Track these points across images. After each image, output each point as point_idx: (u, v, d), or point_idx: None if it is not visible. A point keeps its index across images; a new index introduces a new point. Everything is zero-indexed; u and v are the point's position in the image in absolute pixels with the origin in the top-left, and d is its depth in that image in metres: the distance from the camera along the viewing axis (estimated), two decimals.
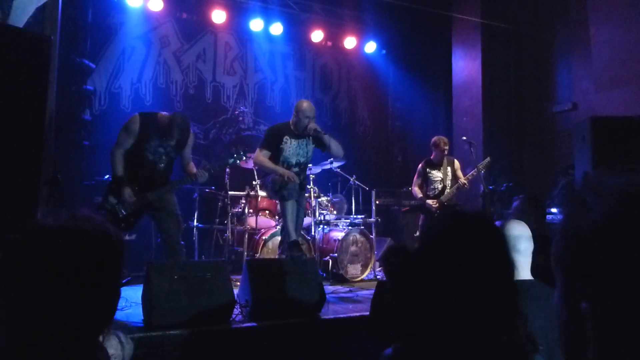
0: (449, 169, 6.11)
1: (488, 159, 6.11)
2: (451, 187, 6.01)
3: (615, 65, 6.42)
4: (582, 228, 0.64)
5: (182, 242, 4.37)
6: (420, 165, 6.23)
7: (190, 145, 4.55)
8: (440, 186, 6.07)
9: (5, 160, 3.11)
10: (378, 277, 6.10)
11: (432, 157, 6.16)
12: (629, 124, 5.18)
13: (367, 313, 3.38)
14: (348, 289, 5.38)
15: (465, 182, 5.93)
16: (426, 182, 6.15)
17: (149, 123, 4.25)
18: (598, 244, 0.62)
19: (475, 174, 5.91)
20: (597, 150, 5.09)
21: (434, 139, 6.20)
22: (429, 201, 6.00)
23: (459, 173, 6.15)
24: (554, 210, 6.63)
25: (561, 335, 0.69)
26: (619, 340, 0.60)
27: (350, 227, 6.19)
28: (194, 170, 4.51)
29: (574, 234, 0.65)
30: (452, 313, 1.03)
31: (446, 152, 6.07)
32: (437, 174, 6.09)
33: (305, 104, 4.71)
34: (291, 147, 4.74)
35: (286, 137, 4.73)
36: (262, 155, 4.71)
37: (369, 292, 4.88)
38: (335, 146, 4.78)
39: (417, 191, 6.17)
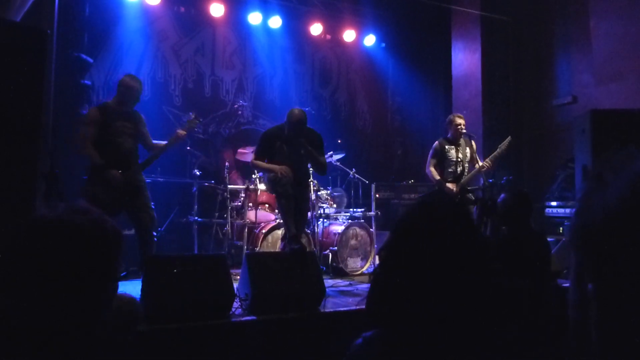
0: (467, 149, 5.61)
1: (509, 138, 5.57)
2: (469, 170, 5.56)
3: (615, 58, 6.39)
4: (596, 208, 0.63)
5: (155, 234, 4.55)
6: (436, 143, 5.67)
7: (144, 124, 4.74)
8: (459, 169, 5.56)
9: (1, 155, 3.10)
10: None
11: (448, 136, 5.68)
12: (629, 117, 5.17)
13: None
14: (348, 282, 5.39)
15: (489, 163, 5.41)
16: (442, 163, 5.57)
17: (106, 108, 4.53)
18: (608, 225, 0.61)
19: (497, 155, 5.47)
20: (597, 143, 5.08)
21: (449, 116, 5.78)
22: (449, 185, 5.48)
23: (476, 155, 5.65)
24: (553, 203, 6.63)
25: (570, 314, 0.68)
26: (621, 324, 0.60)
27: (350, 221, 6.19)
28: (160, 143, 4.71)
29: (588, 214, 0.64)
30: (425, 300, 1.03)
31: (462, 130, 5.57)
32: (454, 154, 5.56)
33: (296, 113, 4.72)
34: (284, 152, 4.79)
35: (278, 142, 4.79)
36: (255, 160, 4.89)
37: (368, 286, 4.88)
38: (319, 166, 4.89)
39: (433, 172, 5.56)
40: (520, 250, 3.40)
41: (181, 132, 4.67)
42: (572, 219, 0.67)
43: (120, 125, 4.47)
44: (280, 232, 5.65)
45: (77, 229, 0.95)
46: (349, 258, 5.95)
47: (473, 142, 5.72)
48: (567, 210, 6.28)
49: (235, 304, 3.74)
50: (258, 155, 4.89)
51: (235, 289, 3.81)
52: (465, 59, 8.19)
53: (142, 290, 3.59)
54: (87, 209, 1.00)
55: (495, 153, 5.51)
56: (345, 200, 6.83)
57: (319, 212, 5.97)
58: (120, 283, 1.20)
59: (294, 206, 4.66)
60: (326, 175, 5.42)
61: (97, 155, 4.33)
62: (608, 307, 0.61)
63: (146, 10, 7.30)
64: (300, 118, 4.69)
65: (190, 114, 4.91)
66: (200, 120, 4.90)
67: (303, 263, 4.10)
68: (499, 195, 3.93)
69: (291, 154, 4.77)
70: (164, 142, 4.70)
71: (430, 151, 5.69)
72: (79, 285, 0.94)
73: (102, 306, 1.02)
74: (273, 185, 4.78)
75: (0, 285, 0.92)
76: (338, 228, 6.02)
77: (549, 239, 3.77)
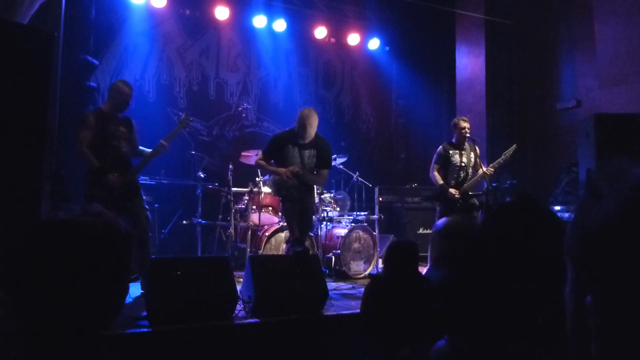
0: (472, 154, 5.54)
1: (514, 146, 5.47)
2: (472, 175, 5.51)
3: (619, 62, 6.38)
4: (593, 219, 0.62)
5: (150, 234, 4.71)
6: (440, 147, 5.61)
7: (134, 128, 4.81)
8: (462, 174, 5.49)
9: (8, 156, 3.12)
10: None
11: (452, 140, 5.63)
12: (633, 121, 5.16)
13: None
14: (351, 285, 5.39)
15: (492, 171, 5.37)
16: (446, 167, 5.51)
17: (100, 113, 4.63)
18: (606, 237, 0.60)
19: (502, 162, 5.41)
20: (600, 147, 5.07)
21: (454, 119, 5.74)
22: (452, 190, 5.38)
23: (480, 160, 5.61)
24: (557, 207, 6.62)
25: (568, 327, 0.68)
26: (620, 338, 0.60)
27: (353, 224, 6.19)
28: (146, 151, 4.79)
29: (584, 224, 0.63)
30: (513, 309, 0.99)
31: (467, 134, 5.50)
32: (458, 159, 5.49)
33: (305, 112, 4.73)
34: (294, 155, 4.76)
35: (289, 146, 4.76)
36: (261, 160, 4.90)
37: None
38: (321, 180, 5.04)
39: (436, 176, 5.50)
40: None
41: (164, 142, 4.70)
42: (568, 230, 0.67)
43: (114, 129, 4.57)
44: (283, 235, 5.66)
45: (91, 231, 0.96)
46: (352, 261, 5.95)
47: (477, 147, 5.68)
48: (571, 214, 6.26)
49: (239, 306, 3.75)
50: (265, 155, 4.87)
51: (239, 292, 3.82)
52: (469, 63, 8.19)
53: (146, 291, 3.60)
54: (101, 211, 1.01)
55: (499, 160, 5.45)
56: (348, 203, 6.84)
57: (322, 215, 5.97)
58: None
59: (298, 209, 4.67)
60: (330, 178, 5.44)
61: (94, 159, 4.40)
62: (606, 320, 0.61)
63: (152, 13, 7.33)
64: (309, 116, 4.69)
65: (181, 114, 5.01)
66: (191, 119, 4.96)
67: (306, 266, 4.10)
68: (503, 199, 3.93)
69: (302, 158, 4.77)
70: (149, 150, 4.75)
71: (434, 156, 5.65)
72: (90, 285, 0.95)
73: (111, 307, 1.02)
74: (278, 188, 4.81)
75: (10, 285, 0.93)
76: (341, 231, 6.02)
77: None
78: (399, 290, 2.90)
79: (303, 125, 4.68)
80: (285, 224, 5.63)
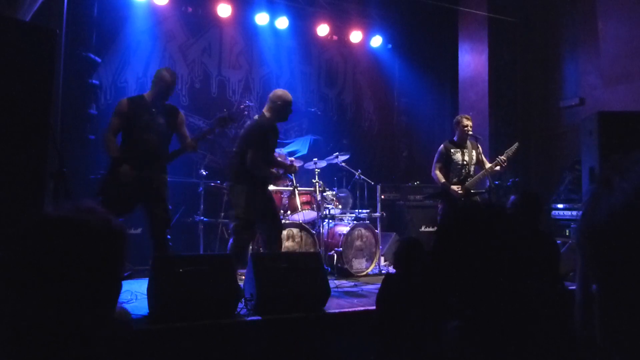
0: (473, 152, 5.52)
1: (516, 144, 5.44)
2: (475, 173, 5.49)
3: (623, 60, 6.36)
4: (602, 210, 0.63)
5: (169, 237, 4.42)
6: (441, 146, 5.61)
7: (182, 122, 4.63)
8: (464, 172, 5.47)
9: (11, 154, 3.13)
10: (383, 271, 6.10)
11: (454, 138, 5.62)
12: (637, 119, 5.15)
13: (372, 307, 3.38)
14: (353, 283, 5.39)
15: (498, 165, 5.32)
16: (448, 166, 5.50)
17: (136, 101, 4.48)
18: (612, 228, 0.61)
19: (504, 159, 5.34)
20: (604, 145, 5.06)
21: (457, 117, 5.72)
22: (454, 187, 5.38)
23: (483, 157, 5.57)
24: (560, 205, 6.60)
25: (576, 315, 0.70)
26: (623, 326, 0.61)
27: (355, 222, 6.19)
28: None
29: (594, 215, 0.65)
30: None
31: (469, 132, 5.49)
32: (460, 157, 5.48)
33: (289, 95, 4.64)
34: (273, 143, 4.76)
35: (270, 134, 4.67)
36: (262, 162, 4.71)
37: (373, 287, 4.89)
38: None
39: (438, 175, 5.49)
40: (527, 253, 3.41)
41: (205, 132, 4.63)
42: (579, 220, 0.69)
43: (147, 120, 4.34)
44: (285, 233, 5.66)
45: (83, 228, 0.95)
46: (354, 259, 5.95)
47: (479, 145, 5.64)
48: (574, 213, 6.25)
49: (241, 304, 3.76)
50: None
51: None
52: (472, 61, 8.17)
53: (148, 289, 3.61)
54: (93, 207, 1.00)
55: (502, 157, 5.37)
56: (350, 201, 6.83)
57: (324, 212, 5.97)
58: (128, 282, 1.20)
59: (266, 209, 4.66)
60: (332, 176, 5.38)
61: (115, 149, 4.27)
62: (610, 308, 0.63)
63: (154, 11, 7.33)
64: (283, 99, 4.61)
65: (225, 110, 4.89)
66: (232, 120, 4.68)
67: (308, 264, 4.11)
68: (505, 197, 3.94)
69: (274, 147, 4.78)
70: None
71: (436, 154, 5.63)
72: (85, 285, 0.94)
73: (107, 306, 1.02)
74: (247, 205, 4.52)
75: (5, 282, 0.93)
76: (343, 229, 6.02)
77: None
78: (415, 286, 2.92)
79: (289, 107, 4.63)
80: (285, 221, 5.65)
